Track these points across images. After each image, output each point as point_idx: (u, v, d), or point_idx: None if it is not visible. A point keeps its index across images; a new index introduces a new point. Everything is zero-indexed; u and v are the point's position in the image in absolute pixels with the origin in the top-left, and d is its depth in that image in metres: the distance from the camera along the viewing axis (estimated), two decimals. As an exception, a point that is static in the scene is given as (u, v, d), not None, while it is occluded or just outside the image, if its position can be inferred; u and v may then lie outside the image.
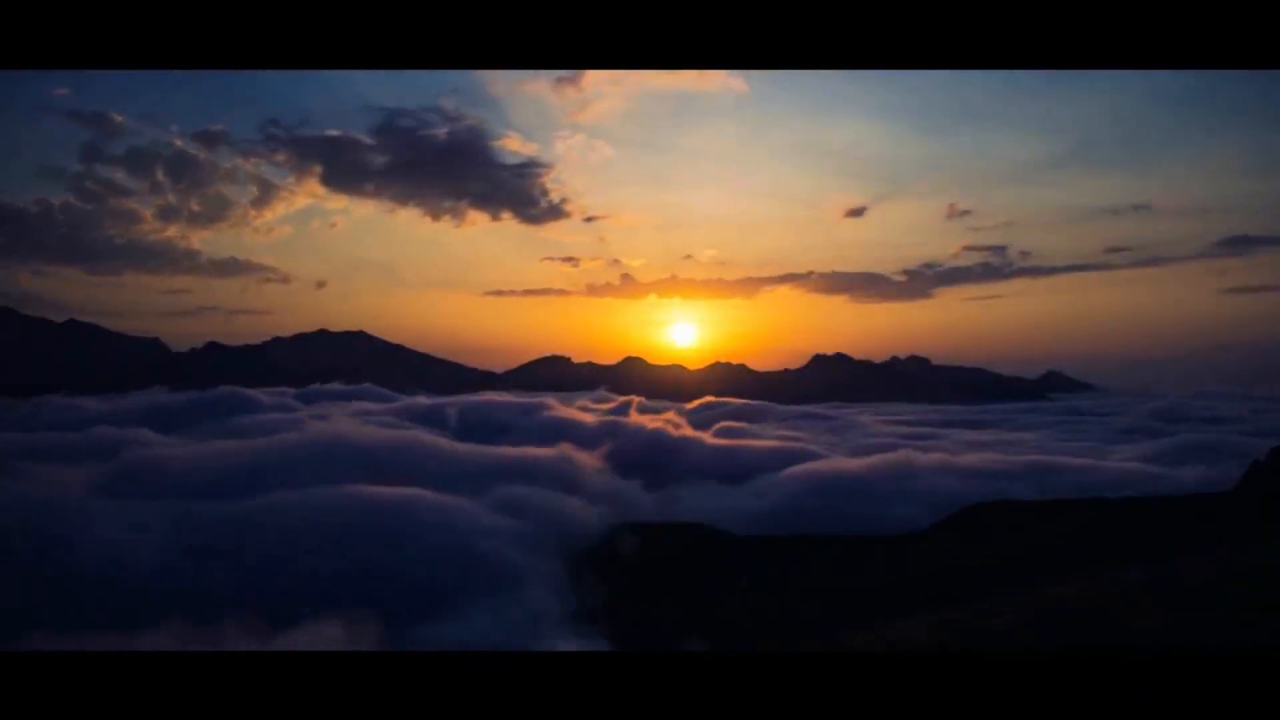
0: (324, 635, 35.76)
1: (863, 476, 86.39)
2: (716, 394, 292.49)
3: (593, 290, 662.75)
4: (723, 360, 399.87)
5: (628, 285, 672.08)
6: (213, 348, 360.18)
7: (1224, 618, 11.64)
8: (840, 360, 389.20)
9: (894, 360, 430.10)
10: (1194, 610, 12.28)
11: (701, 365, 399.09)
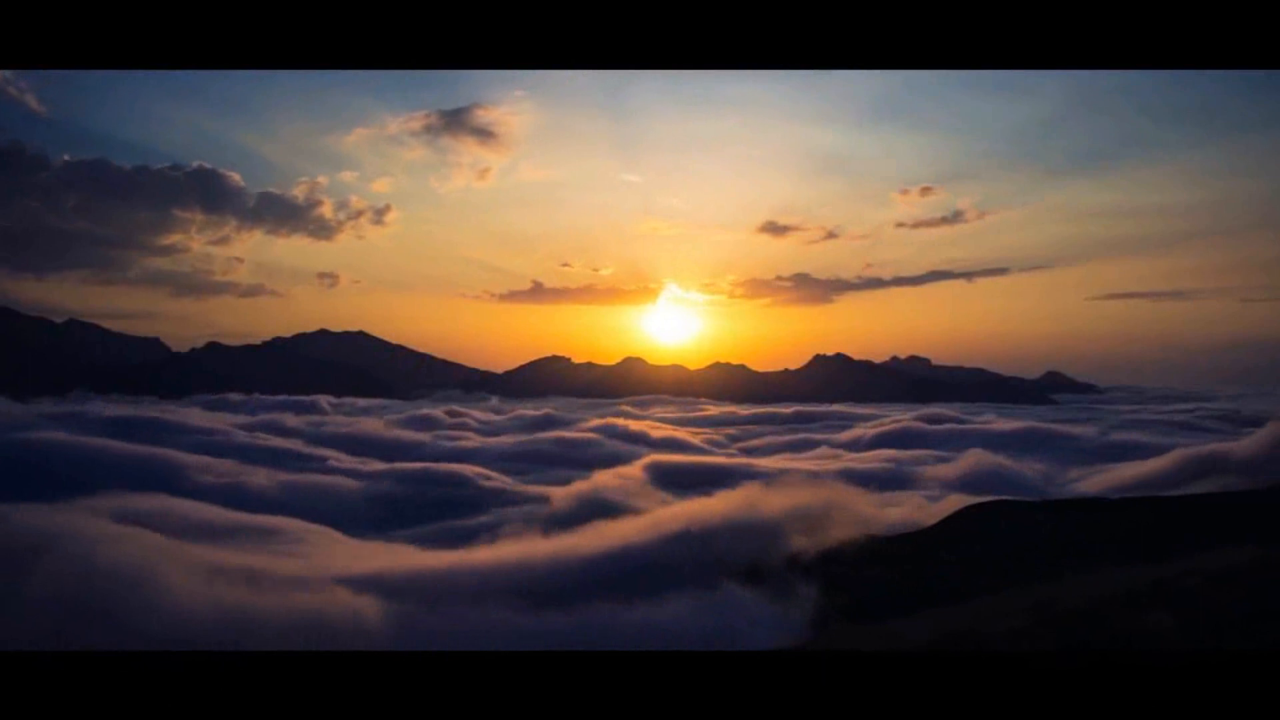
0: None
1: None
2: (716, 394, 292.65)
3: (508, 298, 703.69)
4: (722, 360, 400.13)
5: (538, 292, 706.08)
6: (213, 348, 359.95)
7: (1224, 618, 11.64)
8: (840, 360, 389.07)
9: (894, 360, 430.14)
10: (1194, 610, 12.28)
11: (701, 365, 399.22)
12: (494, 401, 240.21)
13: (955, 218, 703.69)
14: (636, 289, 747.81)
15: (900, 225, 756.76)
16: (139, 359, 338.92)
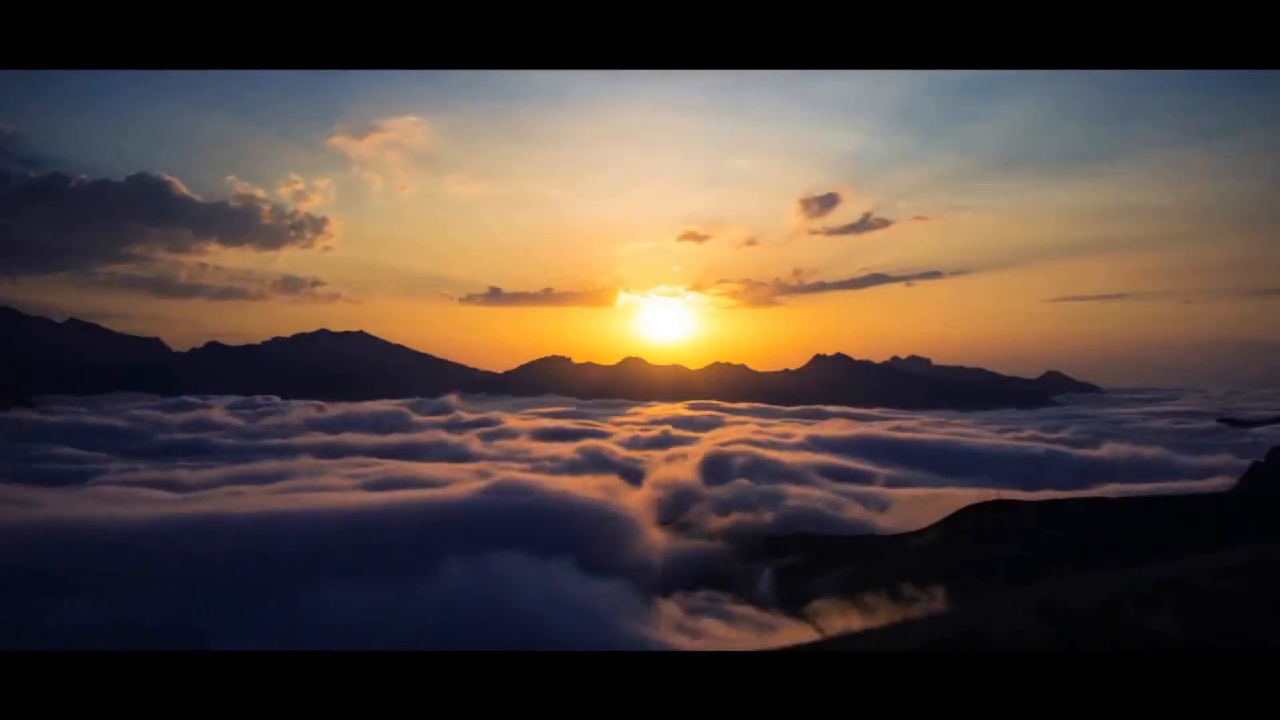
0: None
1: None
2: (717, 394, 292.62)
3: (467, 301, 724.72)
4: (722, 360, 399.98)
5: (496, 297, 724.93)
6: (213, 347, 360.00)
7: (1224, 618, 11.64)
8: (840, 360, 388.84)
9: (894, 360, 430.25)
10: (1194, 610, 12.28)
11: (701, 365, 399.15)
12: (452, 399, 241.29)
13: (863, 225, 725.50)
14: (591, 291, 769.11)
15: (813, 233, 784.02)
16: (139, 359, 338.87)
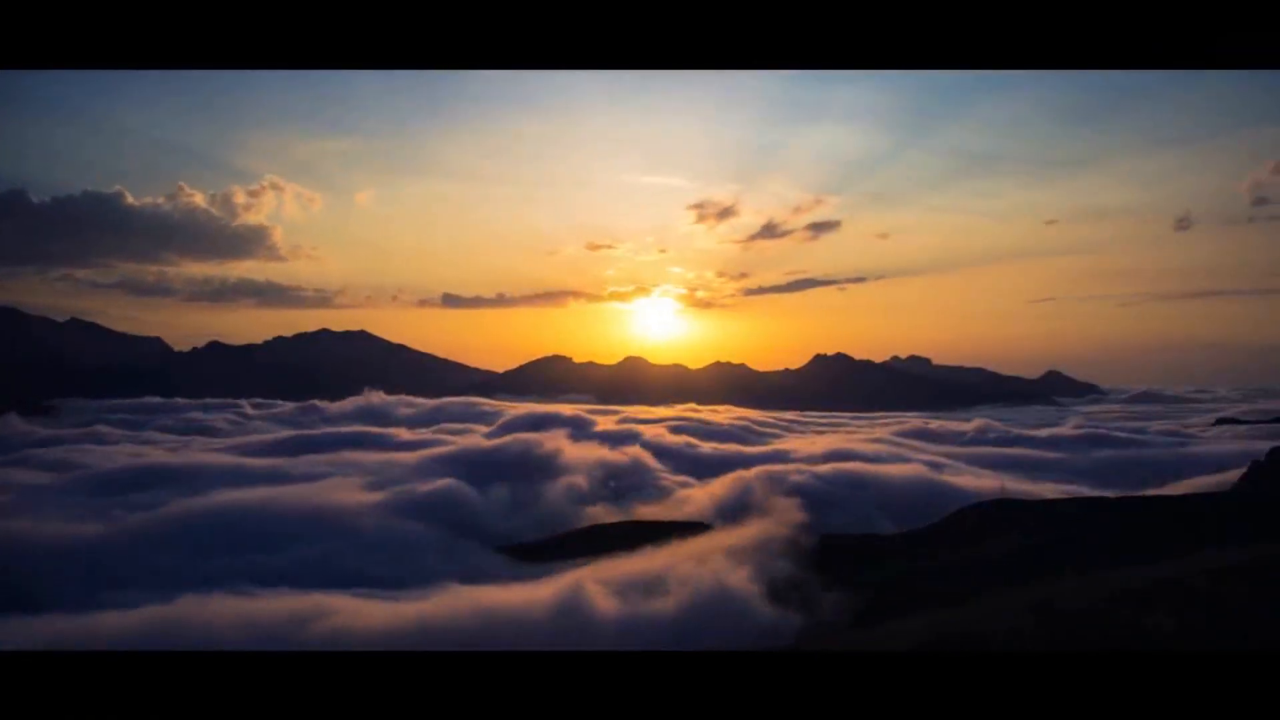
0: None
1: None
2: (717, 394, 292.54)
3: (420, 305, 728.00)
4: (723, 360, 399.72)
5: (451, 301, 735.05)
6: (214, 347, 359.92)
7: (1224, 618, 11.64)
8: (840, 360, 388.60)
9: (894, 360, 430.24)
10: (1194, 610, 12.28)
11: (702, 365, 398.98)
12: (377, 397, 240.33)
13: (766, 233, 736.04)
14: (542, 294, 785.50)
15: (722, 242, 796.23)
16: (140, 358, 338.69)
